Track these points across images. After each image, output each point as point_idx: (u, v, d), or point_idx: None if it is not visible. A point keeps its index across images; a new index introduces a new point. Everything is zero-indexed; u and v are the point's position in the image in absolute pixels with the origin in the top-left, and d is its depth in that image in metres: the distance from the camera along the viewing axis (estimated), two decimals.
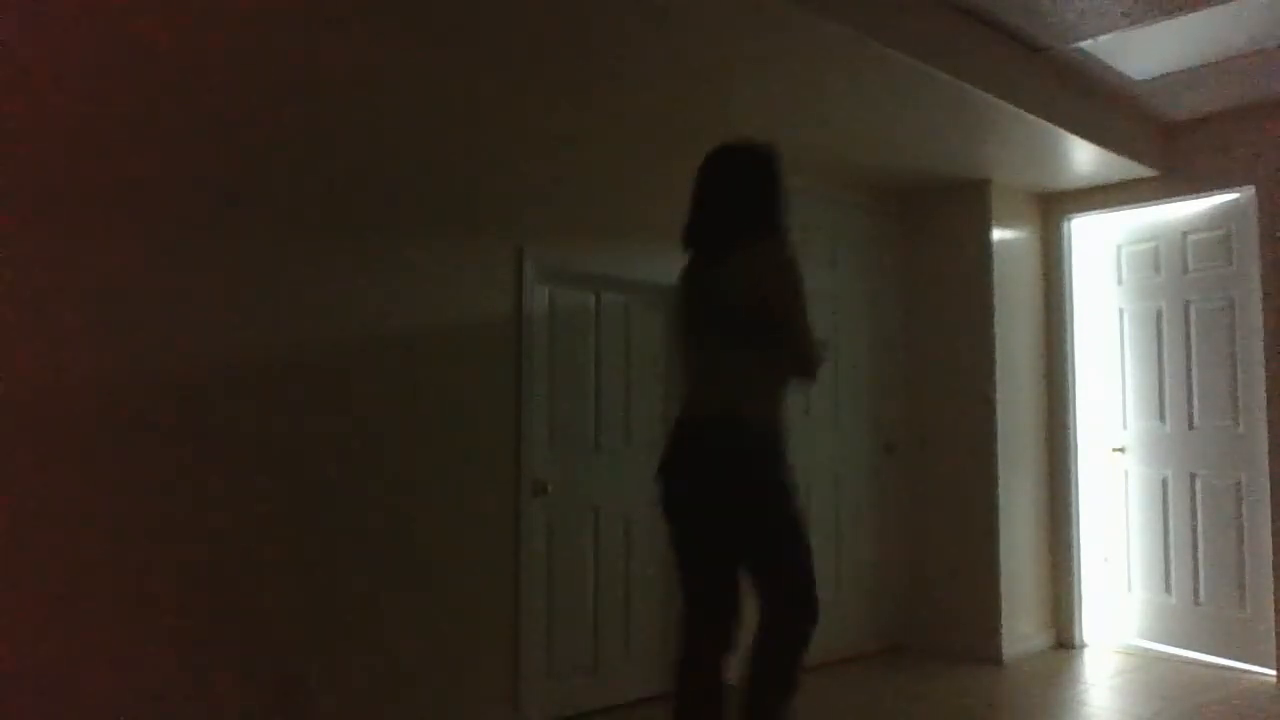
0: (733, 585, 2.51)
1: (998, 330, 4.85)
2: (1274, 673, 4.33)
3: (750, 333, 2.41)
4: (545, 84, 3.59)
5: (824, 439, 4.78)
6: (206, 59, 2.83)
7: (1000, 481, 4.78)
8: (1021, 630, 4.85)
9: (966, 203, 4.96)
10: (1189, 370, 4.79)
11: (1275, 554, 4.37)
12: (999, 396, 4.80)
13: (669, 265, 4.10)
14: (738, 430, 2.41)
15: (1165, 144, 4.81)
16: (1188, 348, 4.80)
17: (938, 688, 4.29)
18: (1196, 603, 4.72)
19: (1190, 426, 4.78)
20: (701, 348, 2.52)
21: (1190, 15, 3.53)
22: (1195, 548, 4.74)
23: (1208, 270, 4.74)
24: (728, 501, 2.39)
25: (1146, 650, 4.85)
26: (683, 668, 2.51)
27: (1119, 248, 5.13)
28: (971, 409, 4.89)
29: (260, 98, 2.94)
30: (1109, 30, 3.67)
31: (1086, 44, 3.82)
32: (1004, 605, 4.73)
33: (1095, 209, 5.08)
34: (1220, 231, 4.70)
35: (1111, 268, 5.16)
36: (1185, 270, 4.83)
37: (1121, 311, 5.09)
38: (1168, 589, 4.83)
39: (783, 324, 2.38)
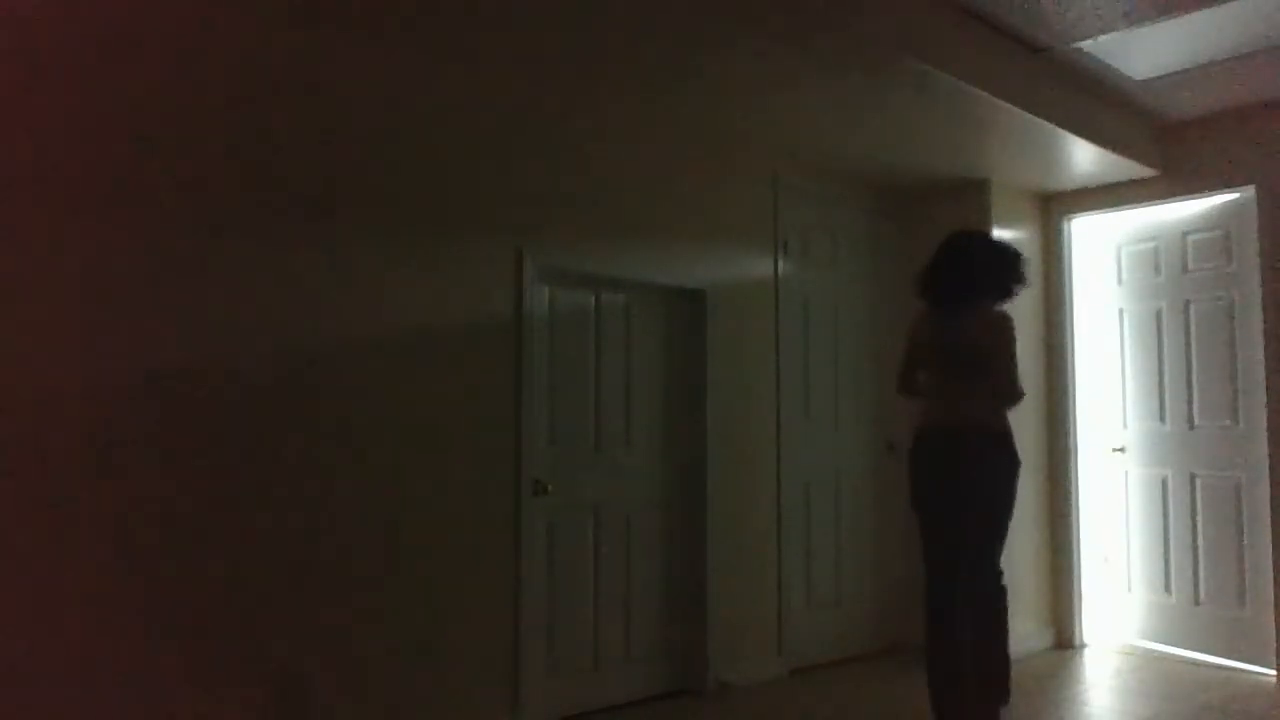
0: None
1: None
2: (1274, 673, 4.33)
3: (981, 371, 3.30)
4: (546, 85, 3.59)
5: (824, 439, 4.78)
6: (204, 57, 2.83)
7: None
8: (1021, 630, 4.83)
9: (966, 203, 4.95)
10: (1189, 370, 4.79)
11: (1275, 554, 4.37)
12: None
13: (669, 265, 4.13)
14: (984, 434, 3.28)
15: (1165, 144, 4.80)
16: (1188, 348, 4.80)
17: None
18: (1196, 603, 4.72)
19: (1190, 426, 4.78)
20: (955, 378, 3.34)
21: (1190, 15, 3.53)
22: (1195, 548, 4.74)
23: (1208, 270, 4.74)
24: (979, 482, 3.26)
25: (1146, 650, 4.85)
26: (942, 636, 3.21)
27: (1119, 248, 5.12)
28: None
29: (259, 96, 2.94)
30: (1109, 30, 3.68)
31: (1086, 44, 3.82)
32: None
33: (1095, 209, 5.08)
34: (1220, 231, 4.70)
35: (1111, 268, 5.16)
36: (1185, 270, 4.83)
37: (1121, 311, 5.09)
38: (1168, 589, 4.83)
39: (995, 368, 3.28)
